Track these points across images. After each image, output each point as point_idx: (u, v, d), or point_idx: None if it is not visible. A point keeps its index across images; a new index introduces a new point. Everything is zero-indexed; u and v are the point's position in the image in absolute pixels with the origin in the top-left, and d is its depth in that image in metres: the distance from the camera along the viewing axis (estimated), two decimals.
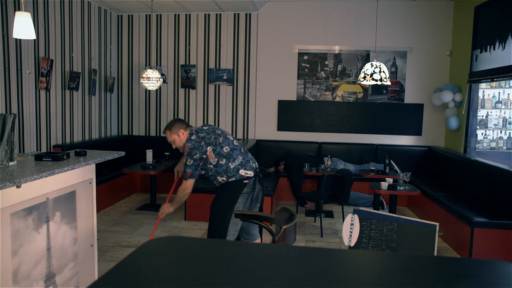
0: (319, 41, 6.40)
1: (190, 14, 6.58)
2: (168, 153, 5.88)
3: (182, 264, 0.90)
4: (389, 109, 6.35)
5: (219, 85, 6.61)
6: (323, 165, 5.49)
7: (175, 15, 6.61)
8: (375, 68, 4.72)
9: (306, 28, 6.40)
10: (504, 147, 5.73)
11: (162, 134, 6.80)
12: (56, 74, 5.22)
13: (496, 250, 3.78)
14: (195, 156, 2.93)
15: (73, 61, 5.57)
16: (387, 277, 0.87)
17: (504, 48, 4.72)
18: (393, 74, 6.30)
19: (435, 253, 2.44)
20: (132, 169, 5.34)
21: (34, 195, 2.24)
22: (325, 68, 6.43)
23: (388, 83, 4.86)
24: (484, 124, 5.76)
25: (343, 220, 3.11)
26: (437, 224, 2.40)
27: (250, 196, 3.01)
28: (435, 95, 5.97)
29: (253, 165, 3.07)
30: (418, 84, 6.31)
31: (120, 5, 6.23)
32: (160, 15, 6.64)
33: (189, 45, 6.63)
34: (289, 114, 6.54)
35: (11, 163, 2.33)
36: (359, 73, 5.34)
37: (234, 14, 6.49)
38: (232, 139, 3.08)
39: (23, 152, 4.68)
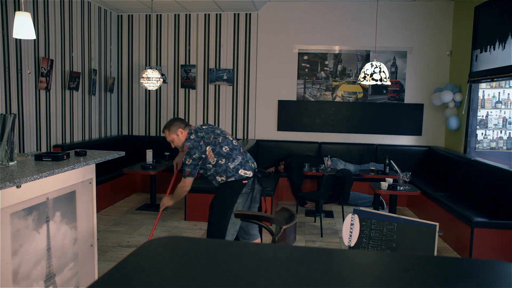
0: (319, 41, 6.40)
1: (190, 14, 6.58)
2: (168, 153, 5.88)
3: (182, 264, 0.90)
4: (389, 109, 6.35)
5: (219, 85, 6.61)
6: (323, 165, 5.49)
7: (175, 15, 6.61)
8: (375, 68, 4.72)
9: (306, 28, 6.40)
10: (504, 147, 5.73)
11: (162, 134, 6.80)
12: (56, 74, 5.22)
13: (496, 250, 3.78)
14: (194, 156, 2.93)
15: (73, 61, 5.57)
16: (387, 277, 0.87)
17: (504, 48, 4.72)
18: (393, 74, 6.30)
19: (435, 253, 2.44)
20: (132, 169, 5.34)
21: (34, 195, 2.24)
22: (325, 68, 6.43)
23: (388, 83, 4.86)
24: (484, 124, 5.76)
25: (343, 220, 3.11)
26: (437, 224, 2.40)
27: (249, 196, 3.01)
28: (435, 95, 5.97)
29: (252, 165, 3.07)
30: (418, 84, 6.31)
31: (120, 5, 6.23)
32: (160, 15, 6.64)
33: (189, 45, 6.63)
34: (289, 114, 6.54)
35: (11, 163, 2.33)
36: (359, 73, 5.34)
37: (234, 14, 6.49)
38: (231, 139, 3.08)
39: (23, 152, 4.68)
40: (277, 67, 6.50)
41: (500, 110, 5.73)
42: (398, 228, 2.45)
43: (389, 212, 4.52)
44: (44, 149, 5.05)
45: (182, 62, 6.68)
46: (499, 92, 5.71)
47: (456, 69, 6.02)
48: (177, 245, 1.02)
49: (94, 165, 2.82)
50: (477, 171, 4.68)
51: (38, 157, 2.54)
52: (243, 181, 2.96)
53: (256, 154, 6.40)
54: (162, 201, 3.20)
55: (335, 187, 4.74)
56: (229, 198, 2.94)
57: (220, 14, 6.51)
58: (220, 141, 2.99)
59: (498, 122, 5.76)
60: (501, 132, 5.78)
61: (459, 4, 6.00)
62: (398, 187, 4.47)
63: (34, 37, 3.09)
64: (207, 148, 2.95)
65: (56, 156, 2.54)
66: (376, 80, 4.71)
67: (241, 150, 3.08)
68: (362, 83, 4.94)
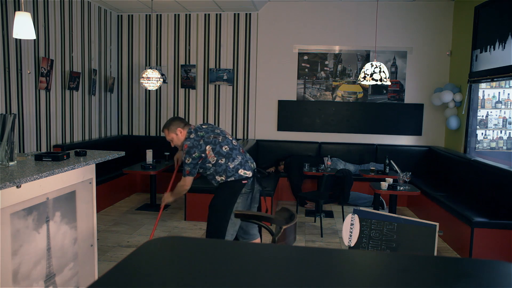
0: (319, 41, 6.40)
1: (190, 14, 6.58)
2: (168, 153, 5.88)
3: (182, 264, 0.90)
4: (389, 109, 6.35)
5: (219, 85, 6.61)
6: (323, 165, 5.49)
7: (175, 15, 6.61)
8: (375, 68, 4.72)
9: (306, 28, 6.40)
10: (504, 147, 5.73)
11: (162, 134, 6.80)
12: (56, 74, 5.22)
13: (496, 250, 3.78)
14: (194, 155, 2.93)
15: (73, 61, 5.57)
16: (387, 277, 0.87)
17: (504, 48, 4.72)
18: (393, 74, 6.30)
19: (435, 253, 2.44)
20: (132, 169, 5.34)
21: (34, 195, 2.24)
22: (325, 68, 6.43)
23: (388, 83, 4.86)
24: (484, 124, 5.76)
25: (343, 220, 3.11)
26: (437, 224, 2.41)
27: (249, 196, 3.01)
28: (435, 95, 5.97)
29: (252, 165, 3.07)
30: (418, 84, 6.31)
31: (120, 5, 6.23)
32: (160, 15, 6.64)
33: (189, 45, 6.63)
34: (289, 114, 6.54)
35: (11, 163, 2.33)
36: (359, 73, 5.34)
37: (234, 14, 6.49)
38: (231, 138, 3.08)
39: (23, 152, 4.68)
40: (277, 67, 6.50)
41: (500, 110, 5.73)
42: (398, 228, 2.45)
43: (389, 212, 4.52)
44: (44, 149, 5.05)
45: (182, 62, 6.68)
46: (499, 92, 5.71)
47: (456, 69, 6.02)
48: (177, 245, 1.02)
49: (94, 165, 2.82)
50: (477, 171, 4.68)
51: (38, 157, 2.54)
52: (243, 181, 2.96)
53: (256, 154, 6.40)
54: (163, 197, 3.22)
55: (335, 187, 4.74)
56: (229, 198, 2.94)
57: (220, 14, 6.51)
58: (220, 140, 2.99)
59: (498, 122, 5.76)
60: (501, 132, 5.78)
61: (459, 4, 6.00)
62: (398, 187, 4.47)
63: (34, 37, 3.09)
64: (207, 147, 2.95)
65: (56, 156, 2.54)
66: (376, 80, 4.71)
67: (241, 150, 3.08)
68: (362, 83, 4.95)
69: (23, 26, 2.99)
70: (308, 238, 4.47)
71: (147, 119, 6.87)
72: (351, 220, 2.58)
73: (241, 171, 2.95)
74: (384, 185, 4.44)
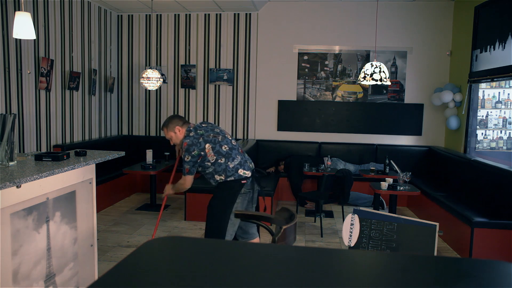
0: (319, 41, 6.40)
1: (190, 14, 6.58)
2: (168, 153, 5.88)
3: (182, 264, 0.90)
4: (389, 109, 6.35)
5: (219, 85, 6.61)
6: (323, 165, 5.49)
7: (175, 15, 6.61)
8: (375, 68, 4.72)
9: (306, 28, 6.40)
10: (504, 147, 5.73)
11: (162, 134, 6.80)
12: (56, 74, 5.22)
13: (496, 250, 3.78)
14: (193, 153, 2.93)
15: (73, 61, 5.57)
16: (387, 277, 0.87)
17: (504, 48, 4.72)
18: (393, 74, 6.30)
19: (435, 253, 2.44)
20: (132, 169, 5.34)
21: (34, 195, 2.24)
22: (325, 68, 6.43)
23: (388, 83, 4.86)
24: (484, 124, 5.76)
25: (343, 220, 3.11)
26: (437, 224, 2.41)
27: (247, 196, 3.01)
28: (435, 95, 5.97)
29: (251, 165, 3.08)
30: (418, 84, 6.31)
31: (120, 5, 6.23)
32: (160, 15, 6.64)
33: (189, 45, 6.64)
34: (289, 114, 6.54)
35: (11, 163, 2.33)
36: (359, 73, 5.34)
37: (234, 14, 6.49)
38: (230, 138, 3.08)
39: (23, 152, 4.68)
40: (277, 67, 6.50)
41: (500, 110, 5.73)
42: (398, 228, 2.45)
43: (389, 212, 4.52)
44: (44, 149, 5.05)
45: (182, 62, 6.68)
46: (499, 92, 5.71)
47: (456, 69, 6.02)
48: (177, 245, 1.02)
49: (94, 165, 2.82)
50: (477, 171, 4.68)
51: (38, 157, 2.54)
52: (242, 181, 2.95)
53: (256, 154, 6.40)
54: (165, 188, 3.25)
55: (335, 187, 4.74)
56: (228, 198, 2.94)
57: (220, 14, 6.51)
58: (219, 140, 2.99)
59: (498, 122, 5.76)
60: (501, 132, 5.78)
61: (459, 4, 6.00)
62: (398, 187, 4.47)
63: (34, 37, 3.09)
64: (206, 145, 2.94)
65: (56, 156, 2.54)
66: (376, 80, 4.71)
67: (240, 150, 3.08)
68: (362, 83, 4.95)
69: (23, 26, 2.99)
70: (308, 238, 4.47)
71: (147, 119, 6.87)
72: (351, 220, 2.58)
73: (241, 171, 2.95)
74: (384, 185, 4.44)
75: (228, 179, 2.95)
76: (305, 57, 6.45)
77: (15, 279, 2.12)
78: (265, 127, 6.60)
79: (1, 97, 4.33)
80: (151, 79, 5.46)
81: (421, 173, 6.00)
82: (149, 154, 5.43)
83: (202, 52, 6.61)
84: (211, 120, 6.70)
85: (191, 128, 3.03)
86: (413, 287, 0.81)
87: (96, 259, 2.93)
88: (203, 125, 3.09)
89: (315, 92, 6.48)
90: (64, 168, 2.35)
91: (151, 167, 5.28)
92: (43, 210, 2.34)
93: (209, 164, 2.96)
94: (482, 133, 5.76)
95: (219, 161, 2.94)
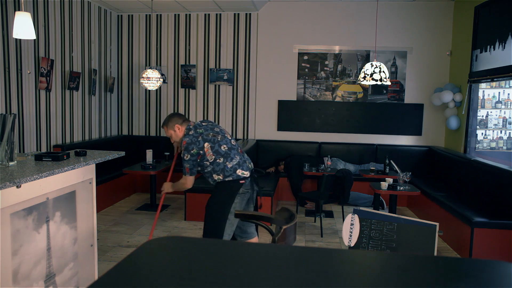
0: (319, 41, 6.40)
1: (190, 14, 6.58)
2: (168, 153, 5.88)
3: (182, 264, 0.90)
4: (389, 109, 6.35)
5: (219, 85, 6.61)
6: (323, 165, 5.49)
7: (175, 15, 6.61)
8: (375, 68, 4.72)
9: (306, 28, 6.40)
10: (504, 147, 5.73)
11: (162, 134, 6.81)
12: (56, 74, 5.22)
13: (496, 250, 3.78)
14: (192, 151, 2.93)
15: (73, 61, 5.57)
16: (387, 277, 0.87)
17: (504, 48, 4.72)
18: (393, 74, 6.30)
19: (435, 253, 2.44)
20: (132, 169, 5.34)
21: (34, 195, 2.24)
22: (325, 68, 6.43)
23: (388, 83, 4.86)
24: (484, 124, 5.76)
25: (343, 220, 3.11)
26: (437, 224, 2.41)
27: (246, 196, 3.00)
28: (435, 95, 5.97)
29: (250, 165, 3.07)
30: (418, 84, 6.31)
31: (120, 5, 6.23)
32: (160, 15, 6.64)
33: (189, 45, 6.64)
34: (289, 114, 6.54)
35: (11, 163, 2.33)
36: (359, 73, 5.34)
37: (234, 14, 6.49)
38: (230, 138, 3.08)
39: (23, 152, 4.68)
40: (277, 67, 6.50)
41: (500, 110, 5.73)
42: (398, 228, 2.45)
43: (389, 212, 4.52)
44: (44, 149, 5.05)
45: (182, 62, 6.68)
46: (499, 92, 5.71)
47: (456, 69, 6.02)
48: (177, 245, 1.02)
49: (94, 165, 2.82)
50: (477, 171, 4.68)
51: (38, 157, 2.54)
52: (240, 181, 2.95)
53: (256, 154, 6.40)
54: (163, 186, 3.26)
55: (335, 187, 4.74)
56: (226, 198, 2.93)
57: (220, 14, 6.51)
58: (219, 139, 2.99)
59: (498, 122, 5.77)
60: (501, 132, 5.78)
61: (459, 4, 6.00)
62: (398, 187, 4.47)
63: (34, 37, 3.09)
64: (205, 144, 2.94)
65: (56, 156, 2.54)
66: (376, 80, 4.71)
67: (239, 150, 3.07)
68: (362, 83, 4.95)
69: (23, 26, 2.99)
70: (308, 238, 4.47)
71: (147, 119, 6.87)
72: (351, 220, 2.58)
73: (239, 171, 2.95)
74: (384, 185, 4.44)
75: (226, 179, 2.94)
76: (305, 57, 6.45)
77: (15, 279, 2.12)
78: (265, 127, 6.60)
79: (1, 97, 4.33)
80: (151, 79, 5.46)
81: (421, 173, 6.00)
82: (149, 154, 5.43)
83: (202, 52, 6.61)
84: (211, 120, 6.69)
85: (190, 127, 3.03)
86: (413, 287, 0.81)
87: (96, 259, 2.93)
88: (203, 123, 3.09)
89: (315, 92, 6.48)
90: (64, 168, 2.35)
91: (151, 167, 5.28)
92: (43, 210, 2.34)
93: (208, 163, 2.96)
94: (482, 133, 5.76)
95: (218, 160, 2.93)
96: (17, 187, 2.07)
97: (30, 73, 4.73)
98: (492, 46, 4.97)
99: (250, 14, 6.47)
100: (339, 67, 6.40)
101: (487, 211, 4.07)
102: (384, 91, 6.36)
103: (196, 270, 0.86)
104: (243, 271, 0.86)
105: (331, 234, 4.61)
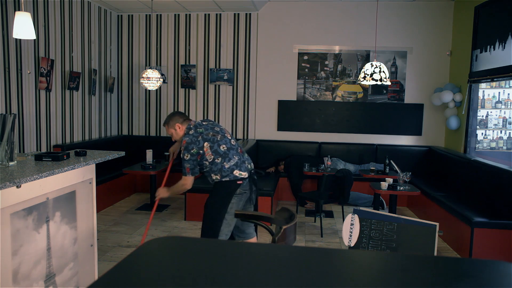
0: (319, 41, 6.40)
1: (190, 14, 6.58)
2: (168, 153, 5.87)
3: (182, 264, 0.90)
4: (389, 109, 6.35)
5: (219, 85, 6.61)
6: (323, 165, 5.49)
7: (175, 15, 6.61)
8: (375, 68, 4.72)
9: (306, 28, 6.40)
10: (504, 147, 5.74)
11: (162, 134, 6.81)
12: (56, 74, 5.22)
13: (496, 250, 3.78)
14: (192, 151, 2.93)
15: (73, 61, 5.57)
16: (387, 277, 0.87)
17: (504, 48, 4.72)
18: (393, 74, 6.30)
19: (435, 253, 2.44)
20: (132, 169, 5.34)
21: (34, 195, 2.24)
22: (325, 68, 6.43)
23: (388, 83, 4.86)
24: (484, 124, 5.76)
25: (343, 220, 3.11)
26: (437, 224, 2.41)
27: (243, 196, 3.00)
28: (435, 95, 5.97)
29: (249, 166, 3.05)
30: (418, 84, 6.31)
31: (120, 5, 6.23)
32: (160, 15, 6.64)
33: (189, 45, 6.64)
34: (289, 114, 6.54)
35: (11, 163, 2.33)
36: (359, 73, 5.34)
37: (234, 14, 6.49)
38: (230, 138, 3.07)
39: (23, 152, 4.68)
40: (277, 67, 6.50)
41: (500, 110, 5.73)
42: (398, 228, 2.45)
43: (389, 212, 4.52)
44: (44, 149, 5.05)
45: (182, 62, 6.68)
46: (499, 92, 5.71)
47: (456, 69, 6.02)
48: (177, 245, 1.02)
49: (94, 165, 2.82)
50: (477, 171, 4.68)
51: (38, 157, 2.54)
52: (238, 182, 2.94)
53: (256, 154, 6.40)
54: (158, 191, 3.16)
55: (335, 187, 4.74)
56: (223, 198, 2.93)
57: (220, 14, 6.51)
58: (218, 139, 2.98)
59: (498, 122, 5.77)
60: (501, 132, 5.78)
61: (459, 4, 6.00)
62: (398, 187, 4.47)
63: (34, 37, 3.09)
64: (205, 144, 2.94)
65: (56, 156, 2.54)
66: (376, 80, 4.71)
67: (239, 150, 3.06)
68: (362, 83, 4.95)
69: (23, 26, 2.99)
70: (308, 238, 4.47)
71: (147, 119, 6.87)
72: (351, 220, 2.58)
73: (236, 172, 2.94)
74: (384, 185, 4.44)
75: (223, 179, 2.94)
76: (305, 57, 6.45)
77: (15, 279, 2.12)
78: (265, 127, 6.60)
79: (1, 97, 4.33)
80: (151, 79, 5.46)
81: (421, 173, 6.00)
82: (149, 154, 5.43)
83: (202, 52, 6.61)
84: (211, 119, 6.69)
85: (191, 126, 3.03)
86: (413, 287, 0.81)
87: (96, 259, 2.93)
88: (204, 123, 3.08)
89: (315, 92, 6.48)
90: (64, 168, 2.35)
91: (151, 167, 5.28)
92: (43, 210, 2.34)
93: (207, 163, 2.96)
94: (482, 133, 5.76)
95: (216, 160, 2.93)
96: (17, 187, 2.07)
97: (30, 73, 4.73)
98: (492, 46, 4.97)
99: (250, 14, 6.47)
100: (339, 67, 6.40)
101: (487, 211, 4.07)
102: (384, 91, 6.36)
103: (196, 270, 0.86)
104: (243, 271, 0.86)
105: (331, 234, 4.61)
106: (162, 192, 3.14)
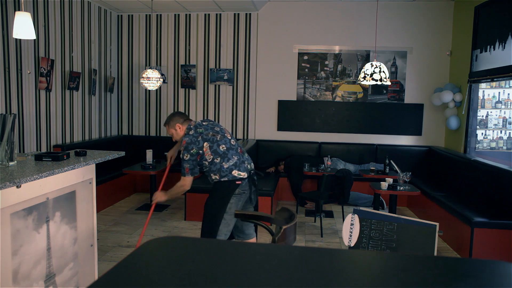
0: (319, 41, 6.40)
1: (190, 14, 6.58)
2: (167, 154, 5.87)
3: (182, 264, 0.90)
4: (389, 109, 6.35)
5: (219, 85, 6.61)
6: (323, 165, 5.49)
7: (175, 15, 6.61)
8: (375, 68, 4.72)
9: (306, 28, 6.40)
10: (504, 147, 5.74)
11: (162, 134, 6.81)
12: (56, 74, 5.22)
13: (496, 250, 3.78)
14: (192, 151, 2.93)
15: (73, 61, 5.57)
16: (387, 277, 0.87)
17: (504, 48, 4.72)
18: (393, 74, 6.30)
19: (435, 253, 2.44)
20: (132, 169, 5.34)
21: (34, 195, 2.24)
22: (325, 68, 6.43)
23: (388, 83, 4.86)
24: (484, 124, 5.76)
25: (343, 220, 3.11)
26: (437, 224, 2.41)
27: (242, 196, 2.99)
28: (435, 95, 5.97)
29: (248, 166, 3.05)
30: (418, 84, 6.31)
31: (120, 5, 6.23)
32: (160, 15, 6.64)
33: (189, 45, 6.64)
34: (289, 114, 6.54)
35: (11, 163, 2.33)
36: (359, 73, 5.34)
37: (234, 14, 6.49)
38: (230, 137, 3.07)
39: (23, 152, 4.68)
40: (277, 67, 6.50)
41: (500, 110, 5.73)
42: (398, 228, 2.45)
43: (389, 212, 4.52)
44: (44, 149, 5.05)
45: (182, 62, 6.68)
46: (499, 92, 5.71)
47: (456, 69, 6.02)
48: (177, 245, 1.02)
49: (94, 165, 2.82)
50: (477, 171, 4.68)
51: (38, 157, 2.54)
52: (237, 182, 2.94)
53: (256, 154, 6.40)
54: (154, 195, 3.15)
55: (335, 187, 4.74)
56: (222, 198, 2.93)
57: (220, 14, 6.51)
58: (218, 139, 2.98)
59: (498, 122, 5.77)
60: (501, 132, 5.78)
61: (459, 4, 6.00)
62: (398, 187, 4.46)
63: (34, 37, 3.09)
64: (205, 144, 2.94)
65: (56, 156, 2.54)
66: (376, 80, 4.71)
67: (239, 150, 3.06)
68: (362, 83, 4.95)
69: (23, 26, 2.99)
70: (308, 238, 4.47)
71: (147, 119, 6.87)
72: (351, 220, 2.58)
73: (235, 172, 2.94)
74: (384, 185, 4.44)
75: (222, 179, 2.94)
76: (305, 57, 6.45)
77: (15, 279, 2.12)
78: (265, 127, 6.60)
79: (1, 97, 4.33)
80: (151, 79, 5.46)
81: (421, 173, 6.00)
82: (149, 154, 5.43)
83: (202, 52, 6.61)
84: (211, 119, 6.69)
85: (191, 126, 3.03)
86: (413, 287, 0.81)
87: (96, 259, 2.93)
88: (204, 123, 3.09)
89: (315, 92, 6.48)
90: (64, 168, 2.35)
91: (151, 167, 5.28)
92: (43, 210, 2.34)
93: (207, 163, 2.96)
94: (482, 133, 5.77)
95: (215, 160, 2.93)
96: (17, 187, 2.07)
97: (30, 73, 4.73)
98: (492, 46, 4.97)
99: (250, 14, 6.47)
100: (339, 67, 6.40)
101: (487, 211, 4.07)
102: (384, 91, 6.36)
103: (196, 270, 0.86)
104: (243, 271, 0.86)
105: (331, 234, 4.61)
106: (159, 196, 3.12)
